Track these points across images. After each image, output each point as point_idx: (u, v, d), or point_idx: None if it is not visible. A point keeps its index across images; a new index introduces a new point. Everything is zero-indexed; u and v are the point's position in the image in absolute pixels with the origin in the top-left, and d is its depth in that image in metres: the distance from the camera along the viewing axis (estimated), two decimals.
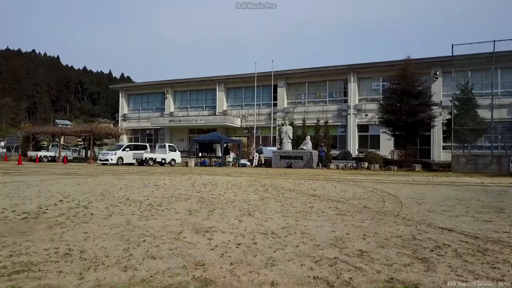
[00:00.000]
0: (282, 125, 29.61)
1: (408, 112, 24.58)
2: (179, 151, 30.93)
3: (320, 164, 25.82)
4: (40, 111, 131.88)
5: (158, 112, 41.55)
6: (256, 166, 27.91)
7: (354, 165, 25.88)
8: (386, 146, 31.10)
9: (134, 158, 30.55)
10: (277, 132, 31.54)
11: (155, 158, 30.39)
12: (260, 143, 31.03)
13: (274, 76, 34.95)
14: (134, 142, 39.54)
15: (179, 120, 37.32)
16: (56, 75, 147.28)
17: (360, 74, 32.84)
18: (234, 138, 32.89)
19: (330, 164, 26.63)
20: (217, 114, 36.95)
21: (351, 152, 28.83)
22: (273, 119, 35.01)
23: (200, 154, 28.13)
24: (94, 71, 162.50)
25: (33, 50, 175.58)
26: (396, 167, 24.38)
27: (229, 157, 28.57)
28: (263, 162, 27.69)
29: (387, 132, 27.49)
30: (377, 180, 13.92)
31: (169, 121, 37.82)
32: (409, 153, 25.79)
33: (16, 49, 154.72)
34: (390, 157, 30.30)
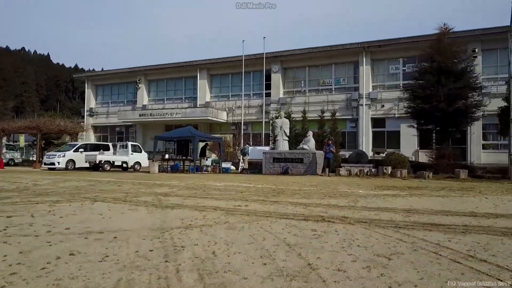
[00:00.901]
0: (276, 117, 22.91)
1: (447, 97, 17.91)
2: (156, 151, 24.28)
3: (326, 169, 19.14)
4: (28, 111, 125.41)
5: (130, 106, 34.80)
6: (242, 172, 21.21)
7: (373, 170, 19.19)
8: (409, 145, 24.45)
9: (86, 161, 23.86)
10: (270, 127, 24.78)
11: (113, 161, 23.64)
12: (247, 141, 24.26)
13: (267, 58, 28.24)
14: (103, 141, 32.92)
15: (151, 114, 30.57)
16: (46, 73, 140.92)
17: (375, 54, 26.14)
18: (216, 135, 26.12)
19: (340, 169, 19.92)
20: (198, 106, 30.22)
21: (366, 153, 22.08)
22: (266, 112, 28.28)
23: (167, 156, 21.36)
24: (86, 69, 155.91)
25: (23, 48, 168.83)
26: (430, 174, 17.73)
27: (206, 159, 21.85)
28: (247, 166, 21.01)
29: (415, 126, 20.84)
30: (448, 206, 7.28)
31: (140, 115, 31.07)
32: (447, 153, 19.07)
33: (4, 47, 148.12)
34: (414, 159, 23.64)
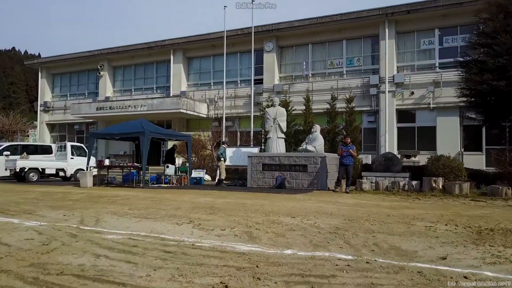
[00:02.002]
0: (268, 106, 16.32)
1: None
2: (94, 154, 17.80)
3: (343, 182, 12.60)
4: (17, 112, 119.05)
5: (92, 98, 28.17)
6: (217, 184, 14.65)
7: (413, 184, 12.59)
8: (448, 146, 18.00)
9: (6, 169, 17.33)
10: (261, 122, 18.19)
11: (43, 169, 17.05)
12: (224, 140, 17.48)
13: (258, 33, 21.67)
14: (60, 141, 26.35)
15: (110, 108, 23.95)
16: (36, 73, 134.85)
17: (402, 24, 19.60)
18: (183, 133, 19.45)
19: (362, 180, 13.37)
20: (171, 96, 23.59)
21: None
22: (257, 103, 21.69)
23: (107, 162, 14.69)
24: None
25: (13, 48, 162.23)
26: (509, 189, 11.14)
27: (168, 167, 15.19)
28: (221, 177, 14.44)
29: (475, 117, 14.39)
30: None
31: (97, 108, 24.43)
32: None
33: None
34: None
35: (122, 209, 7.73)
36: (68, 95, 30.05)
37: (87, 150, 19.05)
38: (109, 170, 15.59)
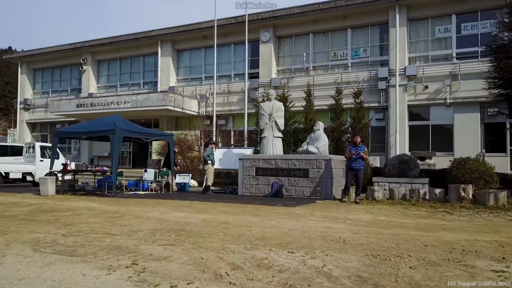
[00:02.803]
0: (264, 100, 14.16)
1: None
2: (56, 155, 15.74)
3: (351, 190, 10.53)
4: (13, 112, 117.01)
5: (75, 95, 26.02)
6: (204, 191, 12.50)
7: (437, 192, 10.44)
8: (468, 146, 15.94)
9: None
10: (258, 116, 16.07)
11: (6, 173, 14.95)
12: (211, 140, 15.27)
13: (253, 22, 19.55)
14: (42, 141, 24.29)
15: (91, 105, 21.79)
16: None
17: (414, 10, 17.46)
18: (164, 132, 17.29)
19: (374, 187, 11.26)
20: (159, 92, 21.42)
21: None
22: (252, 99, 19.56)
23: (72, 166, 12.56)
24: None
25: (9, 48, 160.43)
26: None
27: (146, 171, 13.03)
28: (208, 183, 12.29)
29: (504, 112, 12.30)
30: None
31: (78, 105, 22.28)
32: None
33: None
34: None
35: (54, 235, 5.58)
36: (50, 92, 27.89)
37: (59, 151, 16.96)
38: (79, 175, 13.44)
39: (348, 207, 9.24)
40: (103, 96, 22.28)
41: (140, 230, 5.98)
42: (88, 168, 12.57)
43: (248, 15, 18.90)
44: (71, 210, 8.36)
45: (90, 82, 25.36)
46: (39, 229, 6.03)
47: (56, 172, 12.60)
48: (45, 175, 15.59)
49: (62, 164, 12.40)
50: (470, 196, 10.02)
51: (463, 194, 9.93)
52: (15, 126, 28.03)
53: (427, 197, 10.64)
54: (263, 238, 5.46)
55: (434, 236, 5.70)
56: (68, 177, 14.04)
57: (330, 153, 12.17)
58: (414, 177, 11.91)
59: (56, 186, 12.02)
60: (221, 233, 5.79)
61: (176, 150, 14.46)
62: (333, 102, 15.22)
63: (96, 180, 14.48)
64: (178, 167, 14.81)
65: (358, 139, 10.39)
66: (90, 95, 24.46)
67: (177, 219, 7.11)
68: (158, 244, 5.00)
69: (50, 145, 17.17)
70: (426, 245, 5.10)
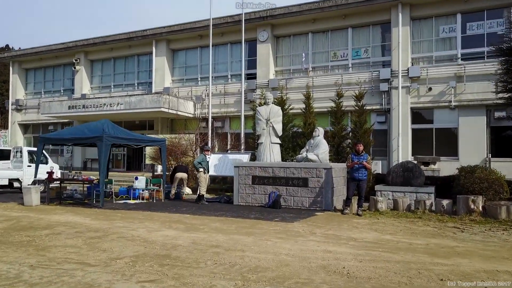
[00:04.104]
0: (261, 104, 13.52)
1: None
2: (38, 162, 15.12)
3: (353, 201, 9.94)
4: (5, 113, 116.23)
5: (67, 96, 25.34)
6: (197, 200, 11.85)
7: (444, 204, 9.81)
8: (473, 150, 15.38)
9: None
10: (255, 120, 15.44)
11: None
12: (205, 145, 14.64)
13: (250, 21, 18.90)
14: (34, 144, 23.79)
15: (84, 106, 21.12)
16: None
17: (417, 8, 16.81)
18: (156, 137, 16.60)
19: (377, 197, 10.64)
20: (152, 93, 20.73)
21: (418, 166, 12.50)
22: (249, 101, 18.94)
23: (58, 174, 11.93)
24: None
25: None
26: None
27: (136, 178, 12.39)
28: (201, 192, 11.64)
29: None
30: None
31: (70, 107, 21.61)
32: None
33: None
34: None
35: (20, 266, 4.93)
36: (43, 92, 27.20)
37: (47, 156, 16.32)
38: (65, 183, 12.79)
39: (351, 221, 8.61)
40: (96, 98, 21.60)
41: (120, 258, 5.34)
42: (75, 177, 11.88)
43: (245, 13, 18.21)
44: (50, 226, 7.71)
45: (83, 83, 24.68)
46: (6, 257, 5.38)
47: (39, 181, 11.94)
48: (33, 181, 14.97)
49: (47, 172, 11.72)
50: (480, 208, 9.40)
51: (472, 206, 9.32)
52: (7, 127, 27.31)
53: (433, 208, 10.03)
54: (257, 269, 4.83)
55: (449, 266, 5.08)
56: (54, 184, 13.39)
57: (330, 160, 11.55)
58: (419, 185, 11.30)
59: (46, 192, 11.39)
60: (210, 262, 5.15)
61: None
62: (333, 104, 14.60)
63: (86, 187, 13.82)
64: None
65: (361, 147, 9.76)
66: (83, 96, 23.78)
67: (164, 240, 6.48)
68: (136, 281, 4.37)
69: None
70: (442, 279, 4.48)
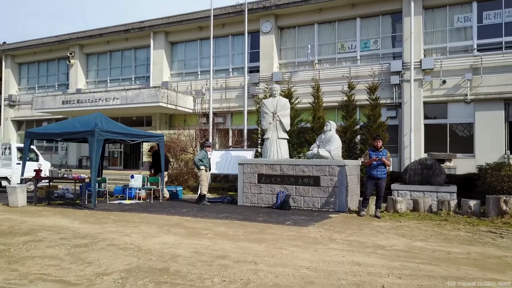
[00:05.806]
0: (266, 97, 12.58)
1: None
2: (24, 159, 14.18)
3: (369, 202, 9.01)
4: None
5: (62, 91, 24.37)
6: (197, 200, 10.92)
7: (471, 205, 8.89)
8: (490, 147, 14.50)
9: None
10: (260, 115, 14.55)
11: None
12: (206, 140, 13.70)
13: (252, 11, 17.95)
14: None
15: (78, 101, 20.15)
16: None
17: None
18: (153, 132, 15.68)
19: (394, 197, 9.72)
20: (151, 87, 19.74)
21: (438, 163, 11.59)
22: (252, 95, 18.00)
23: (47, 172, 10.99)
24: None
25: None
26: None
27: (132, 177, 11.45)
28: (202, 192, 10.71)
29: None
30: None
31: (63, 102, 20.64)
32: None
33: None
34: None
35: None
36: (36, 87, 26.20)
37: (38, 153, 15.37)
38: (55, 183, 11.85)
39: (371, 224, 7.70)
40: (91, 92, 20.59)
41: (108, 273, 4.41)
42: (64, 176, 10.94)
43: (248, 3, 17.25)
44: (32, 232, 6.78)
45: (79, 77, 23.69)
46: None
47: (27, 179, 11.01)
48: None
49: (35, 170, 10.78)
50: (509, 208, 8.50)
51: (504, 207, 8.41)
52: None
53: (460, 210, 9.12)
54: None
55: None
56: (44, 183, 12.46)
57: (342, 157, 10.63)
58: (439, 184, 10.41)
59: (35, 192, 10.46)
60: (217, 278, 4.23)
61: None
62: (341, 98, 13.69)
63: (79, 186, 12.88)
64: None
65: (380, 143, 8.83)
66: (78, 91, 22.77)
67: (162, 249, 5.55)
68: None
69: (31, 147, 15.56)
70: None
